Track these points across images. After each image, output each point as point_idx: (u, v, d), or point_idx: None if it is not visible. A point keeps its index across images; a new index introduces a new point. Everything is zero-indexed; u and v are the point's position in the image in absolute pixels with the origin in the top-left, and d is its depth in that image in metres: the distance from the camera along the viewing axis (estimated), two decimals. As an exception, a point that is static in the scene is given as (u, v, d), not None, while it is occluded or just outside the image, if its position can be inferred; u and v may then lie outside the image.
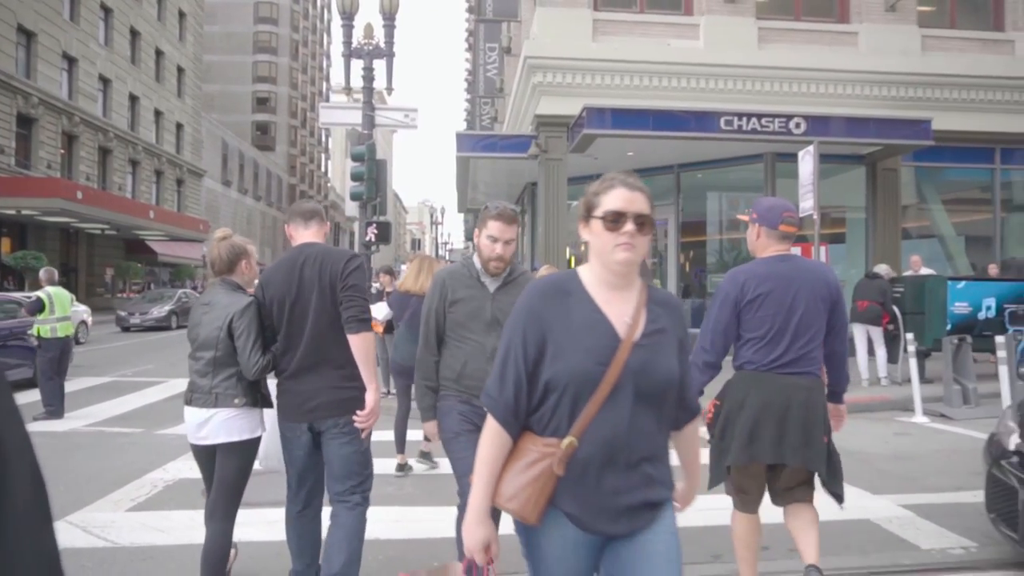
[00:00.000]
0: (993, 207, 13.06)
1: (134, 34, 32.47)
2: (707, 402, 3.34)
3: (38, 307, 7.44)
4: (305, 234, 3.07)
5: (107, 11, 30.25)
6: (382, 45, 11.68)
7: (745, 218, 2.96)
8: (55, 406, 7.48)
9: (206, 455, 2.97)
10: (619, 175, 1.70)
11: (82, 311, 11.60)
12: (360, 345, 2.82)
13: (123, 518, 4.21)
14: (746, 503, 2.89)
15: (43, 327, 7.49)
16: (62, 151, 27.08)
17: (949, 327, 8.37)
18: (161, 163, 35.06)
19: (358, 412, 2.85)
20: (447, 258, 60.06)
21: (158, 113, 34.92)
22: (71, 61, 27.69)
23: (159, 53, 35.04)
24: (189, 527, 3.89)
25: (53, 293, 7.53)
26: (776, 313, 2.72)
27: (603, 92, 11.30)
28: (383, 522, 3.92)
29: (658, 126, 10.39)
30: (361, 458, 2.91)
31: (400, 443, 5.36)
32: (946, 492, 4.54)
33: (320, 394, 2.83)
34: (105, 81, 30.13)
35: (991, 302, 8.82)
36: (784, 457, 2.69)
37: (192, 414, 2.91)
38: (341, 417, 2.84)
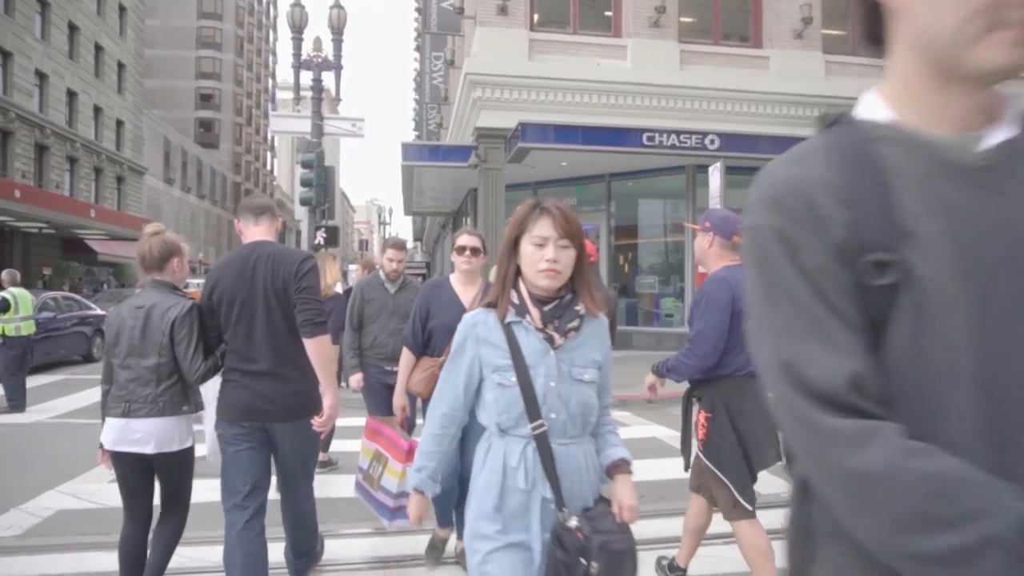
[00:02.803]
0: (887, 216, 14.57)
1: (72, 28, 31.78)
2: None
3: (4, 307, 7.87)
4: (256, 231, 2.95)
5: (44, 5, 29.59)
6: (331, 58, 12.35)
7: (697, 228, 3.07)
8: (17, 400, 7.93)
9: (140, 466, 2.85)
10: (466, 228, 3.25)
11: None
12: (315, 349, 2.79)
13: (107, 487, 4.85)
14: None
15: (8, 326, 7.91)
16: (-4, 148, 26.49)
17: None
18: (100, 160, 34.39)
19: (316, 418, 2.87)
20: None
21: (97, 109, 34.21)
22: (6, 55, 27.05)
23: (99, 48, 34.33)
24: (166, 493, 4.60)
25: (17, 293, 7.97)
26: None
27: (539, 107, 12.22)
28: (334, 484, 4.73)
29: (587, 140, 11.39)
30: (314, 453, 3.01)
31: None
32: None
33: (276, 399, 2.77)
34: (42, 76, 29.47)
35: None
36: (778, 456, 2.74)
37: (125, 424, 2.77)
38: (296, 421, 2.83)
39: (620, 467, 1.86)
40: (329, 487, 4.68)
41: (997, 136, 0.79)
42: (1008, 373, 0.72)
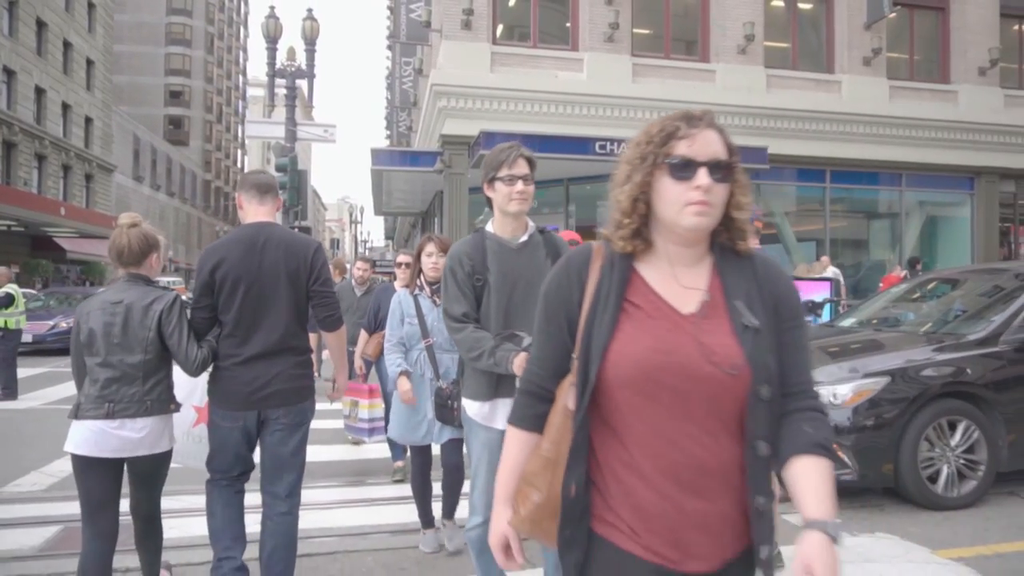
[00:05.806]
0: (824, 218, 15.76)
1: (40, 25, 31.73)
2: None
3: (8, 301, 8.48)
4: (260, 210, 2.91)
5: (11, 2, 29.56)
6: (303, 67, 13.04)
7: None
8: (11, 388, 8.56)
9: (113, 474, 2.68)
10: (402, 249, 4.39)
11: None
12: (334, 341, 3.02)
13: (110, 456, 5.61)
14: None
15: (10, 319, 8.53)
16: (-35, 145, 26.47)
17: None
18: (69, 158, 34.35)
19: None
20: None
21: (66, 106, 34.16)
22: (-26, 53, 27.06)
23: (67, 45, 34.26)
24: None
25: (15, 289, 8.59)
26: None
27: (500, 116, 13.07)
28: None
29: (543, 148, 12.21)
30: (299, 451, 2.87)
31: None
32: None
33: (276, 382, 2.75)
34: (10, 73, 29.45)
35: (799, 297, 11.18)
36: None
37: (107, 426, 2.59)
38: (294, 406, 2.80)
39: None
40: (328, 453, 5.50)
41: (523, 238, 2.61)
42: (511, 310, 2.54)
